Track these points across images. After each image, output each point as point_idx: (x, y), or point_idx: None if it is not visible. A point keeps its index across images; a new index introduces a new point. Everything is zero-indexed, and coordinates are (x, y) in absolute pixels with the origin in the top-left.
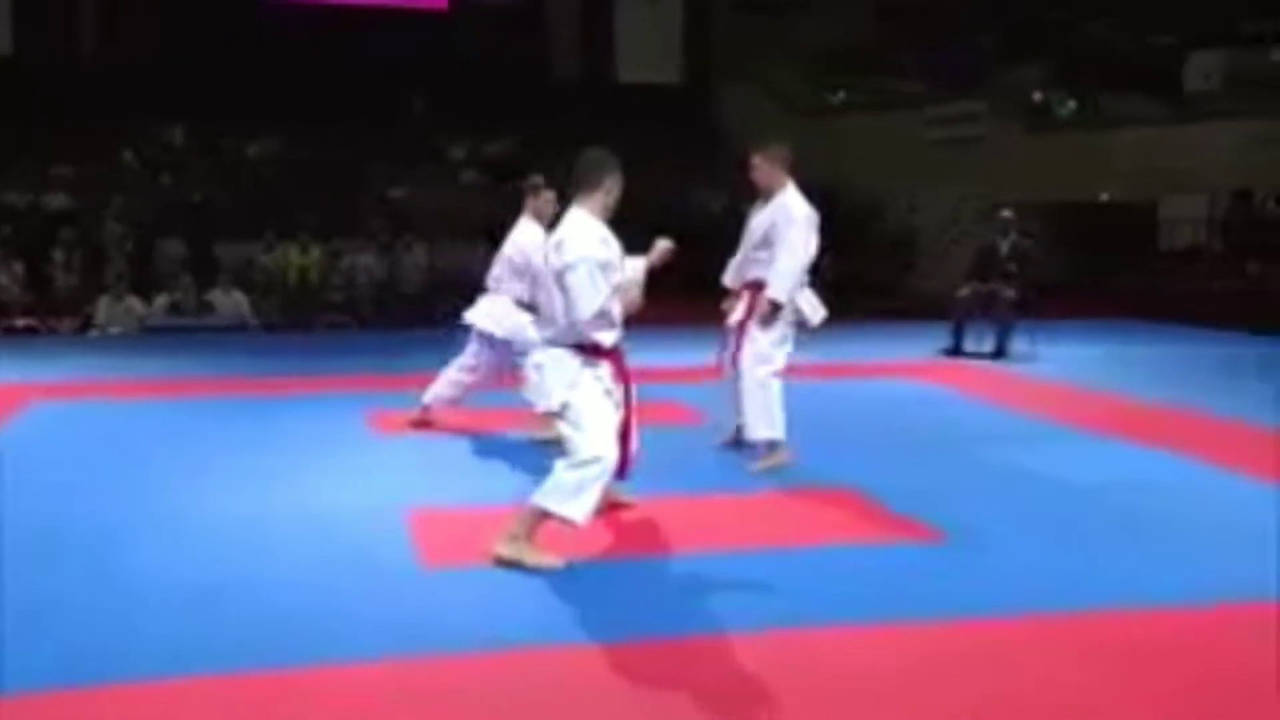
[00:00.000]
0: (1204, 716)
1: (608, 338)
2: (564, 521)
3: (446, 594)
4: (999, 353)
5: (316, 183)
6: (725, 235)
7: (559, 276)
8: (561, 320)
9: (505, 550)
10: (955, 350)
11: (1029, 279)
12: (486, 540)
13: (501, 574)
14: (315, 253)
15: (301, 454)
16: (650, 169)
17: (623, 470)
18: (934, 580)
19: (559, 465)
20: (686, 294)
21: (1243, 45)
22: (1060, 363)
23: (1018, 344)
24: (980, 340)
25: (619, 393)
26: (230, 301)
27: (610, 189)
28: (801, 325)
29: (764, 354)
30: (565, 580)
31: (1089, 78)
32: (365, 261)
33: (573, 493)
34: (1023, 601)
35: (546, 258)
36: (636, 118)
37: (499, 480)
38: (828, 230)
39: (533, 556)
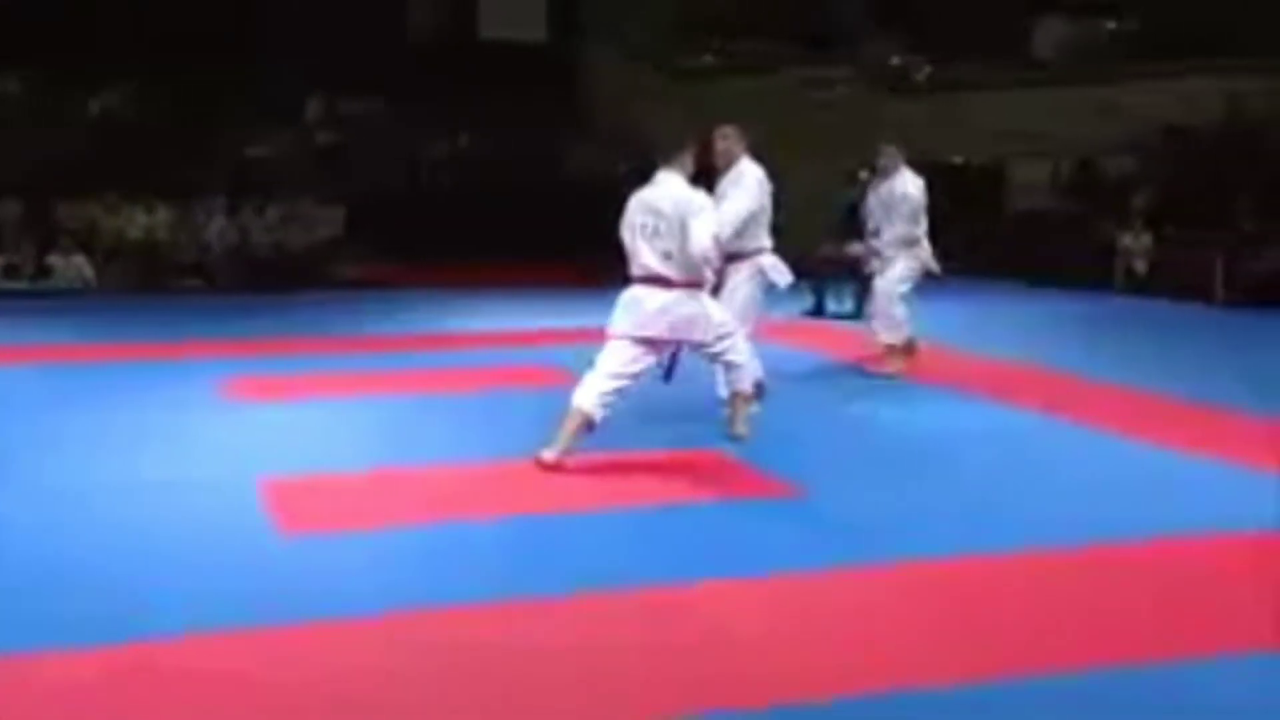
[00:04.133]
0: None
1: None
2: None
3: (301, 562)
4: (858, 312)
5: (165, 140)
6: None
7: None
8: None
9: None
10: (817, 311)
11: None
12: (343, 507)
13: (358, 540)
14: (161, 214)
15: (150, 422)
16: (518, 130)
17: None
18: (784, 534)
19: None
20: (563, 257)
21: (1082, 14)
22: (916, 321)
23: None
24: (841, 300)
25: None
26: (71, 265)
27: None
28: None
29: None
30: (419, 545)
31: (944, 43)
32: (217, 223)
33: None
34: (873, 551)
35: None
36: (500, 77)
37: (356, 446)
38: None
39: None
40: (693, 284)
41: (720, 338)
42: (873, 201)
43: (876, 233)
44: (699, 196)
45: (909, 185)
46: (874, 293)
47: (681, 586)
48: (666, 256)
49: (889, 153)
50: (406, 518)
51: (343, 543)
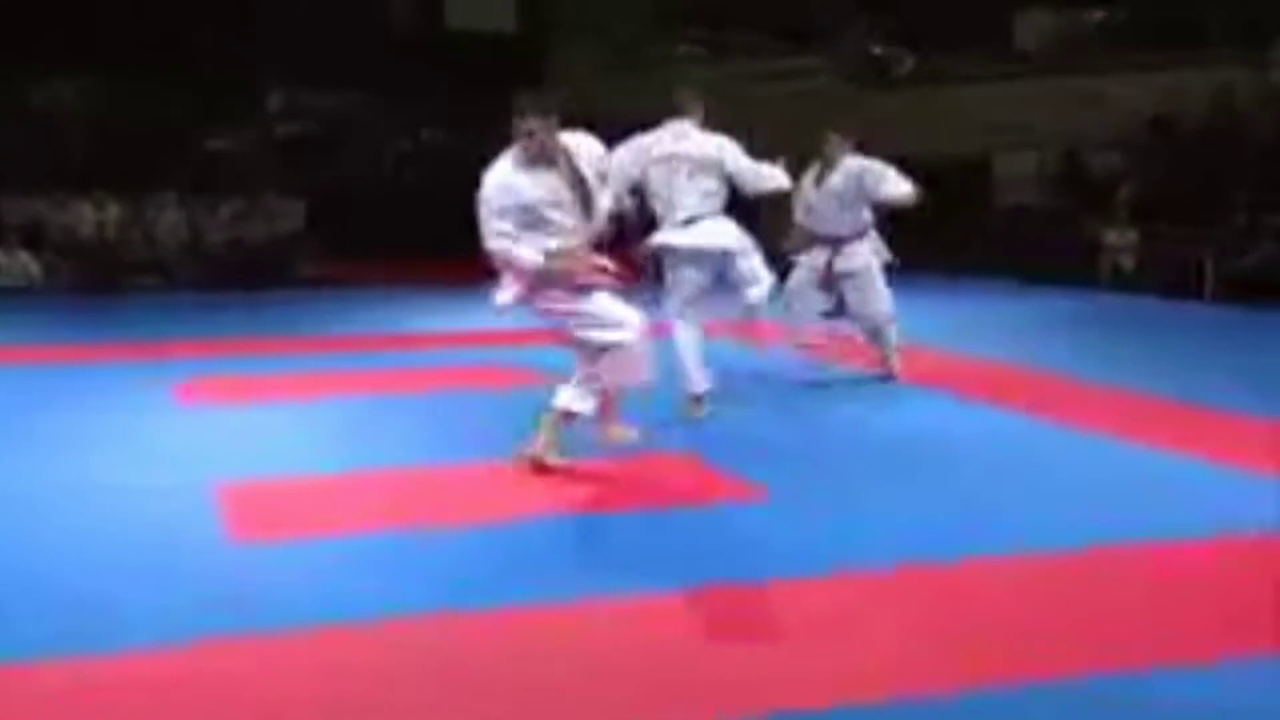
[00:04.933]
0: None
1: None
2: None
3: (254, 571)
4: (841, 310)
5: (116, 132)
6: None
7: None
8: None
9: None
10: None
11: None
12: (301, 513)
13: (314, 548)
14: (112, 209)
15: (103, 427)
16: (484, 123)
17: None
18: (770, 540)
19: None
20: None
21: (1066, 4)
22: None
23: None
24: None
25: None
26: (16, 263)
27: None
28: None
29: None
30: (382, 551)
31: (927, 34)
32: (170, 219)
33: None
34: (864, 555)
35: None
36: (467, 68)
37: (318, 450)
38: None
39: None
40: None
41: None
42: (815, 195)
43: (822, 229)
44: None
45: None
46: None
47: (669, 593)
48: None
49: (835, 141)
50: (371, 523)
51: (304, 550)
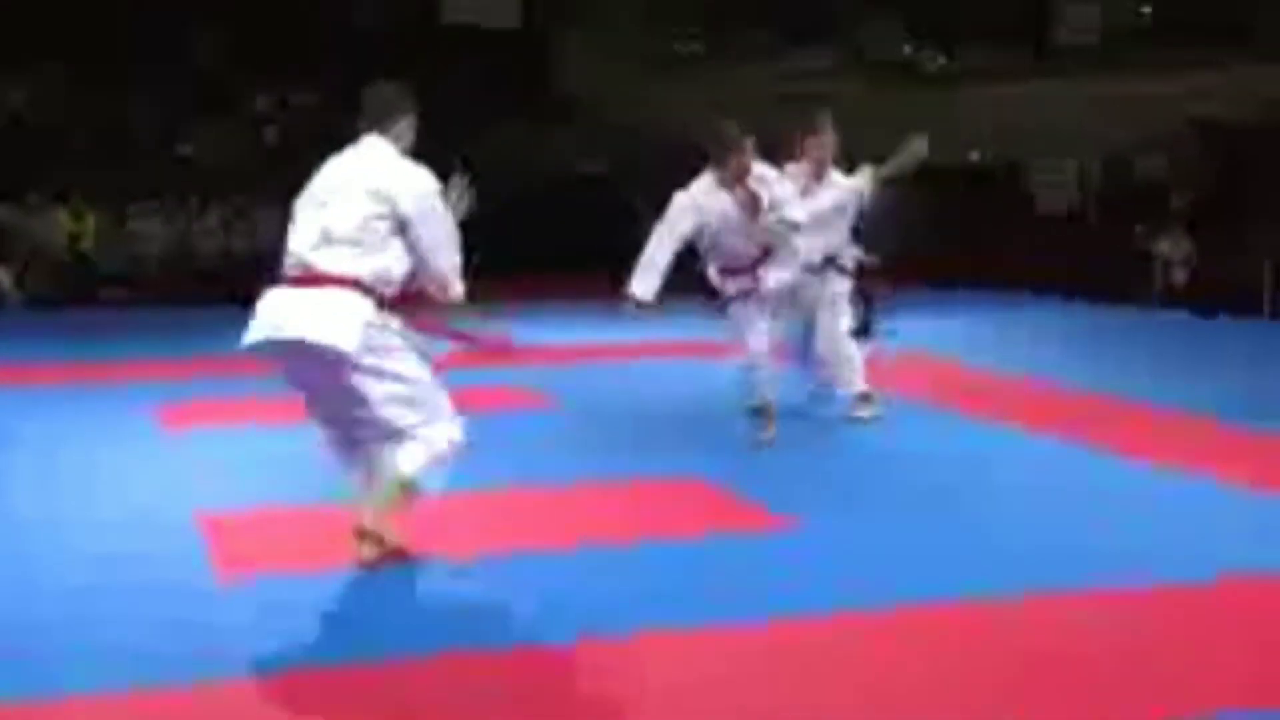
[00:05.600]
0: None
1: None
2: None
3: (239, 608)
4: (863, 329)
5: (94, 136)
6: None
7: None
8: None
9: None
10: None
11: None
12: (288, 546)
13: (301, 585)
14: (90, 218)
15: (78, 454)
16: (484, 123)
17: None
18: (773, 573)
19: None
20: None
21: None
22: (923, 336)
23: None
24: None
25: None
26: None
27: (401, 135)
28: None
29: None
30: (371, 588)
31: (953, 30)
32: (150, 228)
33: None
34: (875, 593)
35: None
36: (465, 66)
37: (308, 478)
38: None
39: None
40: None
41: None
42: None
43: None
44: None
45: (847, 183)
46: (818, 335)
47: (676, 630)
48: None
49: (816, 142)
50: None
51: (282, 586)
